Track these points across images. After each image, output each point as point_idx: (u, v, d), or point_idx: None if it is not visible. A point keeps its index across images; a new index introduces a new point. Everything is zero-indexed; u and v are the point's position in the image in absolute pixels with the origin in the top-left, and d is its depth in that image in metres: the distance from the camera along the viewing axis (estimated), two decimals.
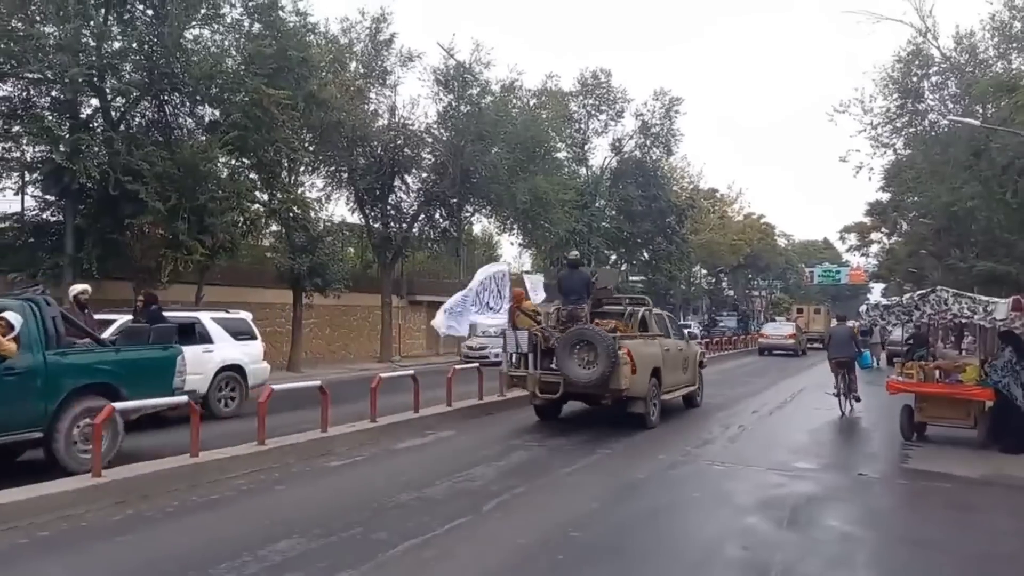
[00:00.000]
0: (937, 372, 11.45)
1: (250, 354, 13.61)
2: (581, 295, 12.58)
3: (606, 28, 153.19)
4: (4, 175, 15.99)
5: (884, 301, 12.70)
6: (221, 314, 13.79)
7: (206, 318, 13.18)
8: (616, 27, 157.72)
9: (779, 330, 36.62)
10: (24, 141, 15.42)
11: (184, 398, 8.41)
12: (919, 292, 11.74)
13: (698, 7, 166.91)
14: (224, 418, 12.49)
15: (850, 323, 16.46)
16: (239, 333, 13.61)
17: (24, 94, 15.66)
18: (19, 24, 14.17)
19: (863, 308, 12.97)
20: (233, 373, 13.12)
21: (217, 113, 17.19)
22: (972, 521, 7.27)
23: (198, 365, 11.97)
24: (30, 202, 16.96)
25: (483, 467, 8.98)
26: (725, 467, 9.34)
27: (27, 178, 16.22)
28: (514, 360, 12.49)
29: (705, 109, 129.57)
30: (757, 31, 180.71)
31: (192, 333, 12.39)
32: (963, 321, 11.93)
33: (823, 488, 8.34)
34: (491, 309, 14.15)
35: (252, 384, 13.37)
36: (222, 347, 13.03)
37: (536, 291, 24.11)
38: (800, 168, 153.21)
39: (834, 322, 19.10)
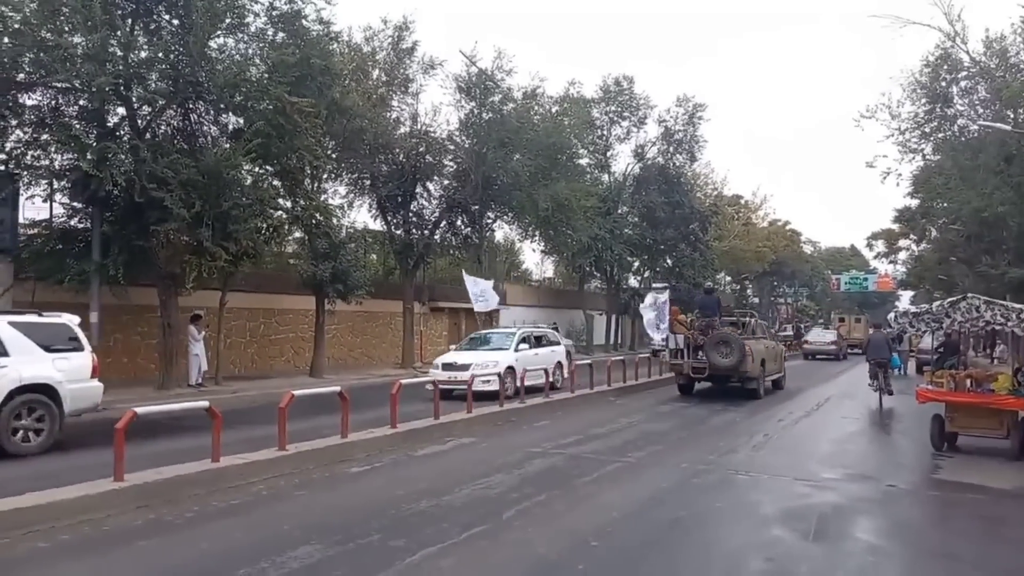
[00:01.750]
0: (968, 381, 11.18)
1: (68, 370, 10.41)
2: (714, 311, 19.34)
3: (631, 42, 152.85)
4: (33, 183, 16.18)
5: (913, 309, 12.45)
6: (28, 318, 10.62)
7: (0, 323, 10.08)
8: (641, 40, 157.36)
9: (823, 337, 40.49)
10: (52, 149, 15.59)
11: (206, 403, 8.41)
12: (949, 299, 11.48)
13: (722, 22, 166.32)
14: (26, 456, 9.46)
15: (885, 331, 19.14)
16: (54, 343, 10.53)
17: (53, 103, 15.85)
18: (48, 34, 14.37)
19: (892, 315, 12.76)
20: (38, 395, 9.98)
21: (241, 121, 17.27)
22: (1006, 535, 7.06)
23: None
24: (58, 209, 17.17)
25: (503, 474, 8.91)
26: (749, 476, 9.18)
27: (55, 186, 16.42)
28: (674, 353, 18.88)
29: (731, 118, 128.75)
30: (782, 43, 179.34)
31: None
32: (996, 328, 11.65)
33: (850, 499, 8.15)
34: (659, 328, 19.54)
35: (72, 410, 10.42)
36: (22, 361, 9.90)
37: (483, 296, 23.34)
38: (826, 175, 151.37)
39: (871, 330, 21.81)
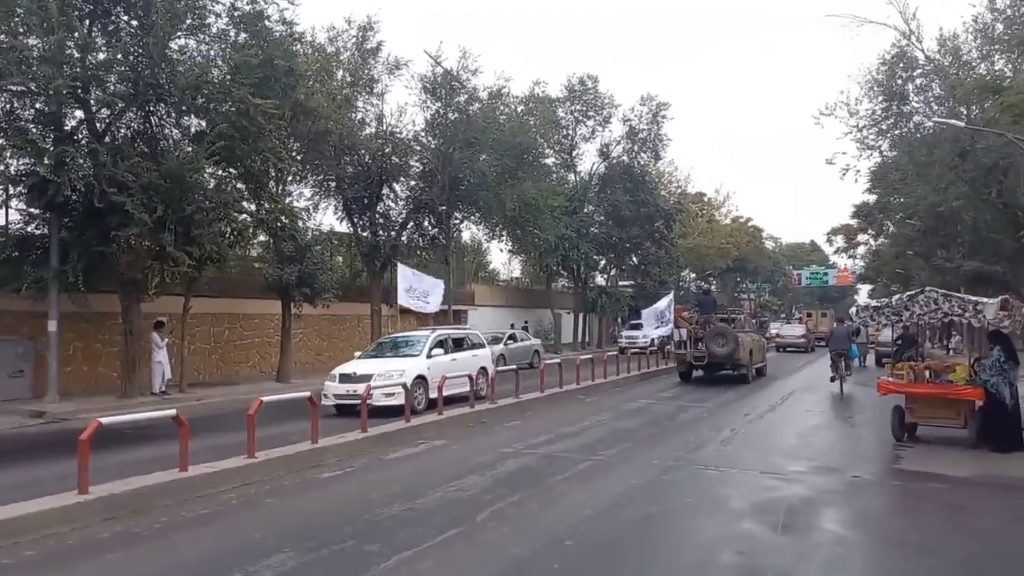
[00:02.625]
0: (927, 372, 11.49)
1: None
2: (711, 308, 22.89)
3: (612, 44, 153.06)
4: None
5: (874, 303, 12.78)
6: None
7: None
8: (624, 42, 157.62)
9: (792, 331, 43.15)
10: (7, 154, 15.20)
11: (172, 411, 8.28)
12: (908, 293, 11.79)
13: (697, 27, 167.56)
14: None
15: (847, 324, 21.21)
16: None
17: (7, 106, 15.47)
18: (2, 36, 14.01)
19: (853, 310, 13.06)
20: None
21: (203, 123, 17.01)
22: (966, 522, 7.27)
23: None
24: (14, 215, 16.75)
25: (475, 476, 8.92)
26: (718, 471, 9.31)
27: (11, 191, 16.02)
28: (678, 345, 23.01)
29: (693, 117, 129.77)
30: (762, 46, 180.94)
31: None
32: (953, 320, 11.99)
33: (817, 491, 8.32)
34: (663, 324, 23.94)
35: None
36: None
37: (424, 296, 20.65)
38: (787, 171, 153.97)
39: (835, 324, 24.67)
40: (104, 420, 7.33)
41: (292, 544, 6.15)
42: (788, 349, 39.75)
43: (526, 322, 36.91)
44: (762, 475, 9.10)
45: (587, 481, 8.87)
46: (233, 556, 5.92)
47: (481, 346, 18.18)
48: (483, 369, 16.69)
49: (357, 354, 17.24)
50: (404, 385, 13.29)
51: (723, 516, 7.27)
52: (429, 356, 15.60)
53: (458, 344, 17.31)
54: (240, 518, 7.20)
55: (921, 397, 11.23)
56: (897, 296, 12.09)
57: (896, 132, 27.81)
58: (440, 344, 16.29)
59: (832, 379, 19.62)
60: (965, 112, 25.08)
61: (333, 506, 7.68)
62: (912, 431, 11.65)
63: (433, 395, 13.92)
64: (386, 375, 14.23)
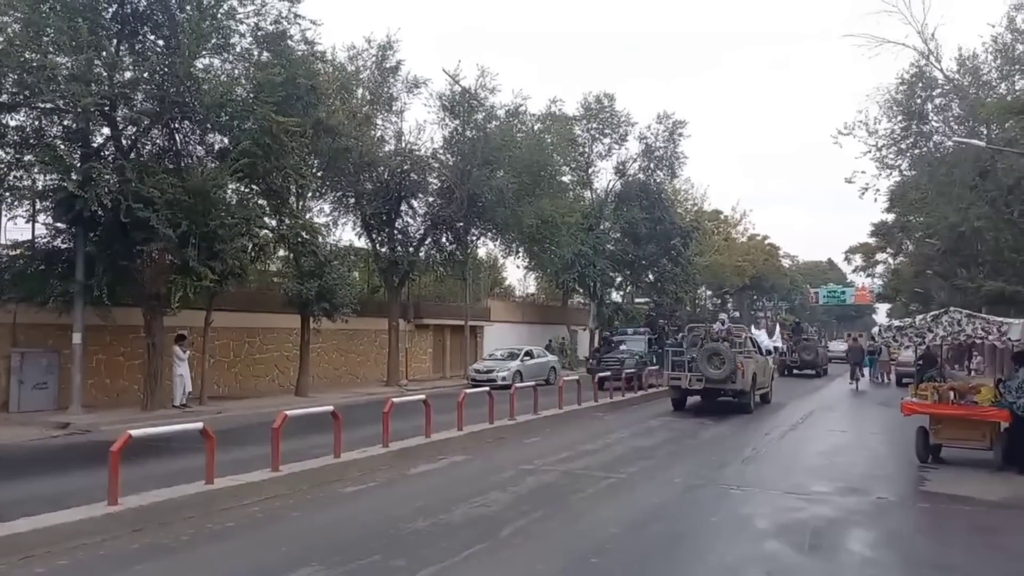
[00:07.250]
0: (952, 393, 11.38)
1: None
2: (799, 331, 41.85)
3: (622, 60, 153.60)
4: (16, 203, 16.04)
5: (897, 323, 12.69)
6: None
7: None
8: (633, 60, 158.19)
9: (839, 346, 51.11)
10: (36, 170, 15.49)
11: (200, 424, 8.35)
12: (932, 314, 11.71)
13: (712, 41, 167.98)
14: None
15: (862, 343, 30.77)
16: None
17: (36, 123, 15.76)
18: (32, 55, 14.31)
19: (876, 330, 13.00)
20: None
21: (227, 140, 17.28)
22: (996, 544, 7.19)
23: None
24: (41, 230, 17.00)
25: (498, 492, 8.92)
26: (741, 491, 9.26)
27: (38, 206, 16.29)
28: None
29: (709, 132, 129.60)
30: (778, 61, 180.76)
31: None
32: (976, 341, 11.89)
33: (842, 512, 8.26)
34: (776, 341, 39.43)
35: None
36: None
37: None
38: (805, 188, 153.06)
39: (852, 342, 32.74)
40: (134, 432, 7.40)
41: (319, 558, 6.18)
42: (834, 360, 45.50)
43: (550, 340, 36.98)
44: (786, 495, 9.04)
45: (610, 499, 8.85)
46: (260, 570, 5.97)
47: None
48: None
49: None
50: None
51: (749, 536, 7.23)
52: None
53: None
54: (266, 531, 7.23)
55: (946, 418, 11.12)
56: (921, 316, 12.02)
57: (915, 151, 27.67)
58: None
59: (850, 382, 27.85)
60: (985, 132, 24.94)
61: (358, 520, 7.70)
62: (936, 452, 11.53)
63: None
64: None
